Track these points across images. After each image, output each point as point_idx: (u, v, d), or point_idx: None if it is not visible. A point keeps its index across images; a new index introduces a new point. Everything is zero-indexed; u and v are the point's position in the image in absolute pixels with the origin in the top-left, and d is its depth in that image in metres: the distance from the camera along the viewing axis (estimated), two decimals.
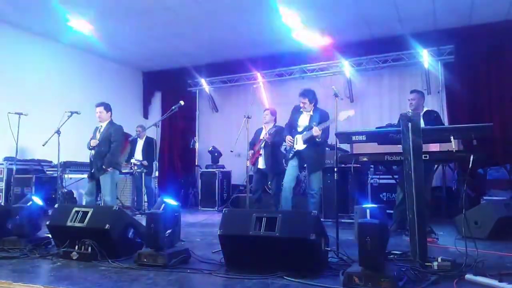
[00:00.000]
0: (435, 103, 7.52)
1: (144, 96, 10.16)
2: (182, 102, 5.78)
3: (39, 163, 6.97)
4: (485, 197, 5.78)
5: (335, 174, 3.81)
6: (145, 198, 7.38)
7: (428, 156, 3.22)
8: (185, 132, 9.78)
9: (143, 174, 7.20)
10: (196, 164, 9.67)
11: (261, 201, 5.95)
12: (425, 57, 7.46)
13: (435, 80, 7.69)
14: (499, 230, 4.01)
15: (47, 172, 6.96)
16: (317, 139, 4.87)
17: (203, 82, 9.51)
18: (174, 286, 2.45)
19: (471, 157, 3.01)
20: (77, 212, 3.29)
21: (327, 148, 6.13)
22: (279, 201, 5.26)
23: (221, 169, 8.29)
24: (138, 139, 7.53)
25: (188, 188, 9.07)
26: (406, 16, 6.71)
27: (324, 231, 2.76)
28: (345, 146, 5.91)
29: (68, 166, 6.63)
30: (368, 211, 2.42)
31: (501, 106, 6.92)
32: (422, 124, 3.79)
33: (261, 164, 5.97)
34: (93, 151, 5.29)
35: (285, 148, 5.22)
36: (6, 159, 6.59)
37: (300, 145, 5.03)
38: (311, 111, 5.11)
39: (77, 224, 3.21)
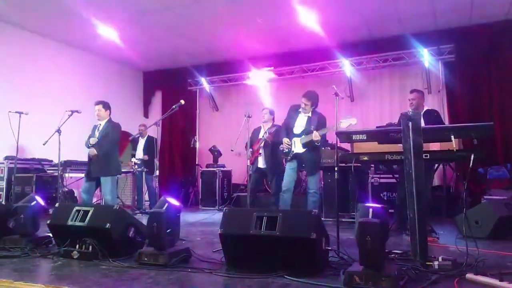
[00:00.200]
0: (436, 102, 7.53)
1: (145, 95, 10.17)
2: (182, 101, 5.78)
3: (39, 162, 6.98)
4: (485, 197, 5.78)
5: (336, 174, 3.81)
6: (145, 197, 7.39)
7: (428, 155, 3.22)
8: (185, 131, 9.79)
9: (143, 173, 7.21)
10: (197, 163, 9.67)
11: (255, 203, 5.95)
12: (426, 56, 7.46)
13: (435, 79, 7.69)
14: (500, 229, 4.01)
15: (48, 171, 6.97)
16: (316, 143, 4.91)
17: (204, 81, 9.51)
18: (175, 285, 2.45)
19: (472, 156, 3.01)
20: (78, 211, 3.29)
21: (328, 148, 6.15)
22: (279, 201, 5.27)
23: (222, 168, 8.29)
24: (140, 138, 7.54)
25: (188, 187, 9.07)
26: (406, 16, 6.71)
27: (324, 230, 2.76)
28: (345, 145, 5.93)
29: (69, 165, 6.64)
30: (370, 210, 2.42)
31: (501, 105, 6.92)
32: (422, 124, 3.79)
33: (261, 163, 5.98)
34: (93, 150, 5.24)
35: (282, 150, 5.20)
36: (7, 158, 6.60)
37: (299, 148, 5.03)
38: (310, 113, 5.11)
39: (78, 223, 3.21)
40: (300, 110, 5.14)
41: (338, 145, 3.98)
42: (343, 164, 4.44)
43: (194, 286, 2.54)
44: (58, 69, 7.93)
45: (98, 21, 7.02)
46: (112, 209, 3.33)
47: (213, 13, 6.68)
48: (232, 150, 6.58)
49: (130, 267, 2.83)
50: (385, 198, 5.92)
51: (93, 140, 5.25)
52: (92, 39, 7.87)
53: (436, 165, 4.64)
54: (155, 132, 7.43)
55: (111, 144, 5.32)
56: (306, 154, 4.99)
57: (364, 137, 3.43)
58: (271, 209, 5.13)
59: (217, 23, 7.12)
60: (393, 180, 5.07)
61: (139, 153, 7.42)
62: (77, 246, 3.11)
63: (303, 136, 5.00)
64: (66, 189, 6.68)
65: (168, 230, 2.98)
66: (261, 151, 5.96)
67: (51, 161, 6.99)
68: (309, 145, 4.95)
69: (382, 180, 6.01)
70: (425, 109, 4.75)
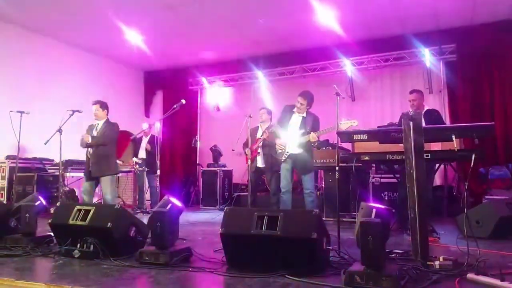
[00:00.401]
0: (437, 102, 7.53)
1: (146, 95, 10.18)
2: (183, 101, 5.78)
3: (41, 162, 6.99)
4: (486, 196, 5.77)
5: (337, 173, 3.81)
6: (146, 196, 7.40)
7: (429, 155, 3.23)
8: (186, 130, 9.79)
9: (144, 172, 7.22)
10: (198, 162, 9.68)
11: (255, 203, 5.96)
12: (427, 56, 7.45)
13: (436, 79, 7.69)
14: (501, 229, 4.01)
15: (49, 171, 6.98)
16: (312, 145, 4.93)
17: (204, 81, 9.51)
18: (176, 285, 2.45)
19: (473, 156, 3.01)
20: (79, 210, 3.29)
21: (329, 148, 6.16)
22: (278, 201, 5.29)
23: (223, 168, 8.30)
24: (143, 137, 7.56)
25: (189, 187, 9.08)
26: (407, 16, 6.70)
27: (325, 230, 2.76)
28: (347, 145, 5.93)
29: (70, 164, 6.65)
30: (374, 210, 2.42)
31: (502, 105, 6.92)
32: (423, 123, 3.79)
33: (259, 163, 5.97)
34: (90, 150, 5.19)
35: (276, 151, 5.20)
36: (8, 157, 6.61)
37: (294, 149, 5.01)
38: (304, 114, 5.09)
39: (79, 223, 3.21)
40: (295, 110, 5.11)
41: (339, 145, 3.99)
42: (344, 164, 4.44)
43: (195, 286, 2.54)
44: (60, 69, 7.94)
45: (98, 21, 7.03)
46: (113, 209, 3.34)
47: (213, 13, 6.68)
48: (233, 150, 6.59)
49: (131, 266, 2.84)
50: (386, 198, 5.92)
51: (87, 138, 5.14)
52: (93, 39, 7.89)
53: (437, 165, 4.64)
54: (156, 131, 7.45)
55: (110, 142, 5.29)
56: (300, 154, 5.00)
57: (365, 137, 3.43)
58: (272, 209, 5.14)
59: (217, 23, 7.12)
60: (394, 180, 5.07)
61: (142, 152, 7.44)
62: (78, 245, 3.12)
63: (298, 137, 5.00)
64: (67, 189, 6.68)
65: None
66: (259, 150, 5.95)
67: (52, 160, 7.00)
68: (304, 146, 4.96)
69: (383, 180, 6.01)
70: (425, 109, 4.75)
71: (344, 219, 5.47)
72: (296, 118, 5.10)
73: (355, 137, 3.46)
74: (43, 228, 3.83)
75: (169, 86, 9.90)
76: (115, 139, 5.39)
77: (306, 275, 2.46)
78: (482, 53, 7.11)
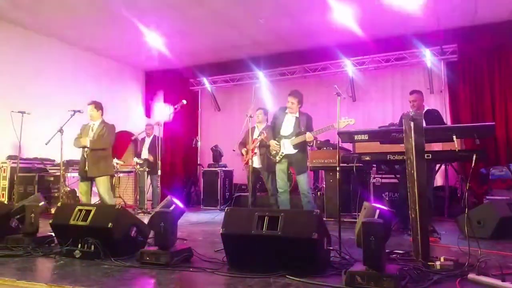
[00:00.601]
0: (438, 102, 7.52)
1: (147, 95, 10.19)
2: (184, 101, 5.80)
3: (42, 162, 6.99)
4: (487, 197, 5.77)
5: (338, 174, 3.81)
6: (147, 196, 7.40)
7: (430, 155, 3.22)
8: (187, 131, 9.79)
9: (145, 173, 7.22)
10: (198, 163, 9.68)
11: (256, 202, 5.97)
12: (428, 56, 7.45)
13: (438, 79, 7.68)
14: (502, 229, 4.00)
15: (50, 171, 6.99)
16: (309, 145, 4.92)
17: (205, 81, 9.52)
18: (177, 285, 2.46)
19: (474, 157, 3.00)
20: (80, 210, 3.30)
21: (330, 148, 6.15)
22: (277, 201, 5.31)
23: (223, 168, 8.30)
24: (146, 137, 7.57)
25: (190, 187, 9.08)
26: (408, 16, 6.69)
27: (326, 230, 2.76)
28: (347, 145, 5.93)
29: (71, 164, 6.66)
30: (378, 211, 2.42)
31: (504, 106, 6.91)
32: (423, 124, 3.78)
33: (256, 163, 5.97)
34: (87, 150, 5.20)
35: (270, 152, 5.21)
36: (9, 157, 6.62)
37: (289, 149, 5.03)
38: (297, 114, 5.11)
39: (80, 223, 3.22)
40: (287, 111, 5.14)
41: (340, 145, 3.98)
42: (345, 164, 4.44)
43: (196, 286, 2.54)
44: (61, 69, 7.95)
45: (99, 21, 7.04)
46: (114, 209, 3.34)
47: (215, 13, 6.68)
48: (234, 150, 6.58)
49: (132, 266, 2.84)
50: (387, 198, 5.92)
51: (84, 140, 5.17)
52: (94, 39, 7.89)
53: (438, 165, 4.63)
54: (156, 131, 7.44)
55: (109, 145, 5.36)
56: (295, 154, 5.01)
57: (366, 137, 3.43)
58: (273, 209, 5.14)
59: (219, 23, 7.12)
60: (395, 180, 5.07)
61: (145, 152, 7.45)
62: (79, 246, 3.13)
63: (293, 138, 5.01)
64: (68, 189, 6.69)
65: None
66: (256, 150, 5.95)
67: (53, 160, 7.01)
68: (299, 146, 4.98)
69: (384, 180, 6.01)
70: (425, 109, 4.75)
71: (344, 219, 5.46)
72: (290, 119, 5.13)
73: (356, 137, 3.46)
74: (44, 229, 3.84)
75: (170, 86, 9.91)
76: (113, 141, 5.45)
77: (306, 275, 2.46)
78: (484, 54, 7.10)
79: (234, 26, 7.22)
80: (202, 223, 5.76)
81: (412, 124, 2.80)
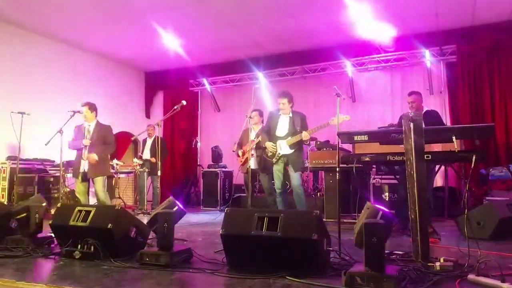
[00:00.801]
0: (437, 103, 7.52)
1: (146, 96, 10.19)
2: (184, 102, 5.80)
3: (41, 163, 6.99)
4: (487, 198, 5.77)
5: (337, 174, 3.81)
6: (147, 197, 7.40)
7: (430, 156, 3.22)
8: (187, 131, 9.80)
9: (145, 174, 7.22)
10: (198, 163, 9.68)
11: (253, 203, 5.98)
12: (428, 57, 7.45)
13: (437, 80, 7.69)
14: (502, 230, 4.00)
15: (50, 172, 6.98)
16: (305, 143, 4.98)
17: (205, 81, 9.53)
18: (176, 286, 2.46)
19: (474, 157, 3.01)
20: (80, 211, 3.30)
21: (330, 149, 6.16)
22: (275, 202, 5.34)
23: (223, 169, 8.30)
24: (148, 138, 7.57)
25: (190, 188, 9.08)
26: (408, 16, 6.70)
27: (326, 231, 2.76)
28: (347, 146, 5.93)
29: (71, 165, 6.64)
30: (380, 213, 2.43)
31: (503, 106, 6.92)
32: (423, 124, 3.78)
33: (253, 164, 5.97)
34: (85, 152, 5.22)
35: (267, 154, 5.24)
36: (9, 158, 6.62)
37: (285, 150, 5.07)
38: (290, 113, 5.14)
39: (79, 224, 3.22)
40: (280, 112, 5.17)
41: (339, 146, 3.99)
42: (345, 165, 4.44)
43: (196, 287, 2.54)
44: (60, 70, 7.95)
45: (99, 22, 7.05)
46: (114, 210, 3.34)
47: (215, 13, 6.69)
48: (233, 151, 6.58)
49: (132, 267, 2.84)
50: (387, 199, 5.92)
51: (86, 142, 5.23)
52: (94, 40, 7.90)
53: (438, 166, 4.63)
54: (156, 132, 7.45)
55: (115, 146, 5.53)
56: (292, 154, 5.05)
57: (365, 138, 3.43)
58: (273, 209, 5.14)
59: (219, 24, 7.13)
60: (395, 181, 5.07)
61: (147, 153, 7.45)
62: (79, 246, 3.12)
63: (289, 138, 5.03)
64: (68, 189, 6.69)
65: None
66: (252, 152, 5.96)
67: (53, 161, 7.01)
68: (296, 146, 5.01)
69: (383, 181, 6.01)
70: (424, 109, 4.75)
71: (344, 220, 5.46)
72: (284, 119, 5.16)
73: (355, 138, 3.46)
74: (44, 229, 3.83)
75: (170, 87, 9.91)
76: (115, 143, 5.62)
77: (306, 276, 2.46)
78: (483, 54, 7.11)
79: (234, 26, 7.22)
80: (202, 224, 5.76)
81: (411, 125, 2.80)
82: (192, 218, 6.35)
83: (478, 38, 7.09)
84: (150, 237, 3.51)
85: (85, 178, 5.24)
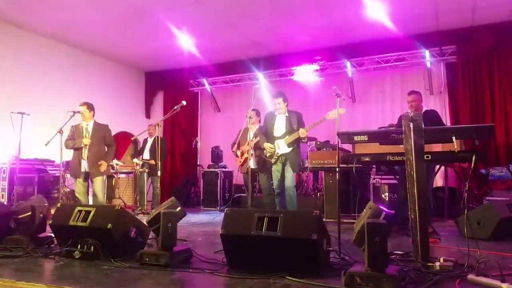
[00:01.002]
0: (437, 103, 7.53)
1: (146, 96, 10.19)
2: (184, 102, 5.79)
3: (41, 163, 6.99)
4: (487, 198, 5.77)
5: (337, 174, 3.81)
6: (147, 197, 7.39)
7: (430, 156, 3.22)
8: (187, 131, 9.80)
9: (145, 174, 7.21)
10: (198, 163, 9.68)
11: (252, 203, 5.99)
12: (428, 57, 7.45)
13: (437, 80, 7.69)
14: (502, 230, 4.00)
15: (50, 172, 6.98)
16: (303, 140, 5.00)
17: (205, 82, 9.53)
18: (176, 286, 2.46)
19: (473, 157, 3.00)
20: (80, 211, 3.30)
21: (329, 149, 6.16)
22: (273, 202, 5.36)
23: (223, 169, 8.30)
24: (148, 138, 7.57)
25: (190, 188, 9.08)
26: (408, 17, 6.70)
27: (325, 231, 2.76)
28: (347, 146, 5.93)
29: (70, 165, 6.64)
30: (383, 214, 2.43)
31: (503, 106, 6.92)
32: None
33: (252, 164, 5.98)
34: (85, 151, 5.25)
35: (265, 155, 5.25)
36: (9, 158, 6.61)
37: (284, 149, 5.08)
38: (286, 113, 5.18)
39: (79, 224, 3.22)
40: (276, 113, 5.21)
41: (339, 146, 3.99)
42: (345, 165, 4.44)
43: (195, 287, 2.54)
44: (60, 70, 7.94)
45: (99, 22, 7.05)
46: (114, 210, 3.34)
47: (215, 13, 6.69)
48: (233, 151, 6.58)
49: (132, 267, 2.84)
50: (387, 199, 5.92)
51: (87, 141, 5.26)
52: (94, 40, 7.90)
53: (438, 166, 4.63)
54: (156, 132, 7.44)
55: (114, 148, 5.64)
56: (290, 153, 5.07)
57: (365, 138, 3.43)
58: (272, 210, 5.15)
59: (219, 24, 7.13)
60: (395, 181, 5.08)
61: (147, 153, 7.44)
62: (79, 246, 3.12)
63: (287, 137, 5.05)
64: (68, 190, 6.69)
65: None
66: (251, 152, 5.96)
67: (53, 161, 7.01)
68: (294, 144, 5.03)
69: (383, 181, 6.01)
70: (424, 109, 4.75)
71: (344, 220, 5.46)
72: (280, 119, 5.20)
73: (355, 138, 3.46)
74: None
75: (170, 87, 9.92)
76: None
77: (306, 276, 2.46)
78: (483, 55, 7.11)
79: (234, 27, 7.22)
80: (202, 224, 5.76)
81: (411, 125, 2.80)
82: (192, 218, 6.35)
83: (478, 38, 7.08)
84: (150, 237, 3.51)
85: (87, 178, 5.27)
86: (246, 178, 6.09)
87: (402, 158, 2.99)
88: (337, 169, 3.79)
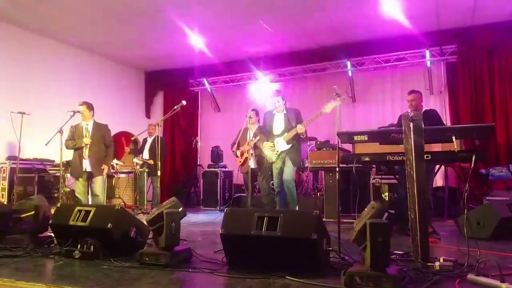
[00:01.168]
0: (438, 103, 7.52)
1: (146, 95, 10.19)
2: (184, 102, 5.80)
3: (41, 162, 7.00)
4: (487, 197, 5.77)
5: (337, 174, 3.81)
6: (147, 197, 7.39)
7: (430, 156, 3.22)
8: (187, 131, 9.80)
9: (145, 173, 7.20)
10: (198, 163, 9.68)
11: (252, 203, 6.00)
12: (428, 57, 7.45)
13: (437, 80, 7.68)
14: (502, 230, 4.00)
15: (50, 171, 6.98)
16: (301, 136, 5.02)
17: (205, 81, 9.52)
18: (176, 285, 2.46)
19: (473, 157, 3.00)
20: (80, 211, 3.30)
21: (329, 148, 6.16)
22: (272, 201, 5.37)
23: (223, 169, 8.30)
24: (148, 137, 7.57)
25: (190, 188, 9.08)
26: (408, 16, 6.69)
27: (325, 231, 2.76)
28: (347, 146, 5.93)
29: (70, 165, 6.64)
30: (386, 214, 2.43)
31: (504, 106, 6.92)
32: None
33: (253, 164, 5.98)
34: (86, 151, 5.26)
35: (265, 154, 5.27)
36: (9, 158, 6.62)
37: (283, 146, 5.12)
38: (284, 110, 5.22)
39: (79, 223, 3.22)
40: (274, 111, 5.26)
41: (339, 146, 3.98)
42: (345, 165, 4.45)
43: (195, 287, 2.54)
44: (60, 69, 7.95)
45: (99, 22, 7.05)
46: (114, 210, 3.34)
47: (215, 13, 6.69)
48: (233, 151, 6.58)
49: (131, 267, 2.84)
50: (386, 199, 5.92)
51: (87, 140, 5.28)
52: (94, 40, 7.90)
53: (438, 165, 4.63)
54: (156, 132, 7.44)
55: (113, 149, 5.65)
56: (290, 149, 5.10)
57: (365, 137, 3.43)
58: (272, 209, 5.15)
59: (219, 23, 7.13)
60: (395, 181, 5.07)
61: (146, 152, 7.44)
62: (79, 246, 3.12)
63: (285, 134, 5.08)
64: (68, 189, 6.69)
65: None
66: (251, 151, 5.96)
67: (53, 161, 7.01)
68: (293, 140, 5.05)
69: (383, 181, 6.01)
70: (424, 109, 4.75)
71: (344, 220, 5.46)
72: (279, 117, 5.24)
73: (355, 138, 3.46)
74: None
75: (170, 86, 9.92)
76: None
77: (306, 275, 2.46)
78: (483, 54, 7.11)
79: (233, 26, 7.22)
80: (201, 224, 5.76)
81: (411, 124, 2.80)
82: (192, 218, 6.34)
83: (478, 38, 7.08)
84: (150, 236, 3.51)
85: (89, 177, 5.29)
86: (246, 178, 6.09)
87: (402, 158, 3.00)
88: (337, 169, 3.79)
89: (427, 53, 7.42)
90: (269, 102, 8.28)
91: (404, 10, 6.49)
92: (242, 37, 7.74)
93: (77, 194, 5.40)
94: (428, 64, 7.55)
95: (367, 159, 3.62)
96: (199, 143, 9.56)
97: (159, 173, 6.40)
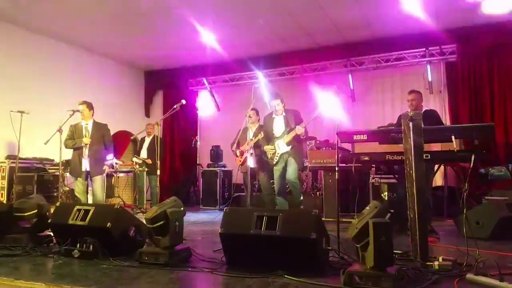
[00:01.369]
0: (437, 102, 7.53)
1: (146, 95, 10.19)
2: (183, 101, 5.78)
3: (41, 162, 6.99)
4: (486, 197, 5.77)
5: (336, 174, 3.80)
6: (146, 196, 7.39)
7: (429, 155, 3.22)
8: (186, 131, 9.80)
9: (144, 173, 7.20)
10: (197, 162, 9.68)
11: (251, 202, 6.01)
12: (428, 57, 7.45)
13: (437, 79, 7.68)
14: (501, 230, 4.00)
15: (49, 171, 6.98)
16: (301, 137, 5.04)
17: (205, 81, 9.52)
18: (175, 285, 2.46)
19: (473, 157, 3.01)
20: (79, 210, 3.30)
21: (329, 148, 6.16)
22: (273, 199, 5.37)
23: (223, 168, 8.29)
24: (146, 137, 7.56)
25: (189, 187, 9.08)
26: (408, 16, 6.69)
27: (325, 230, 2.76)
28: (346, 145, 5.93)
29: (70, 164, 6.64)
30: (388, 214, 2.43)
31: (503, 106, 6.92)
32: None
33: (252, 163, 5.97)
34: (86, 151, 5.27)
35: (267, 158, 5.28)
36: (8, 157, 6.61)
37: (283, 148, 5.13)
38: (283, 113, 5.24)
39: (78, 222, 3.22)
40: (274, 114, 5.28)
41: (339, 145, 3.99)
42: (344, 165, 4.45)
43: (195, 286, 2.54)
44: (60, 69, 7.95)
45: (99, 21, 7.05)
46: (113, 209, 3.34)
47: (215, 13, 6.69)
48: (232, 150, 6.58)
49: (131, 266, 2.84)
50: (386, 199, 5.92)
51: (87, 140, 5.30)
52: (94, 39, 7.89)
53: (437, 166, 4.63)
54: (156, 131, 7.44)
55: (112, 148, 5.70)
56: (291, 150, 5.11)
57: (365, 137, 3.43)
58: (272, 209, 5.15)
59: (218, 23, 7.12)
60: (394, 180, 5.07)
61: (144, 152, 7.44)
62: (78, 245, 3.12)
63: (285, 136, 5.09)
64: (67, 188, 6.68)
65: None
66: (252, 150, 5.96)
67: (52, 160, 7.01)
68: (293, 142, 5.07)
69: (382, 180, 6.00)
70: (423, 109, 4.75)
71: (343, 219, 5.46)
72: (278, 120, 5.26)
73: (355, 137, 3.47)
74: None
75: (169, 86, 9.91)
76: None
77: (305, 275, 2.46)
78: (483, 54, 7.11)
79: (234, 26, 7.22)
80: (201, 223, 5.76)
81: (411, 124, 2.80)
82: (191, 217, 6.34)
83: (478, 38, 7.08)
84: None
85: (88, 177, 5.30)
86: (246, 177, 6.08)
87: (402, 157, 3.00)
88: (336, 169, 3.79)
89: (427, 52, 7.42)
90: (269, 102, 8.35)
91: (403, 9, 6.49)
92: (242, 37, 7.73)
93: (76, 193, 5.40)
94: (428, 64, 7.55)
95: (366, 158, 3.63)
96: (198, 143, 9.56)
97: (158, 172, 6.40)
